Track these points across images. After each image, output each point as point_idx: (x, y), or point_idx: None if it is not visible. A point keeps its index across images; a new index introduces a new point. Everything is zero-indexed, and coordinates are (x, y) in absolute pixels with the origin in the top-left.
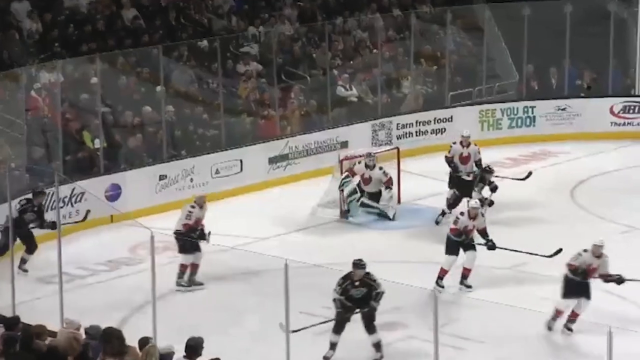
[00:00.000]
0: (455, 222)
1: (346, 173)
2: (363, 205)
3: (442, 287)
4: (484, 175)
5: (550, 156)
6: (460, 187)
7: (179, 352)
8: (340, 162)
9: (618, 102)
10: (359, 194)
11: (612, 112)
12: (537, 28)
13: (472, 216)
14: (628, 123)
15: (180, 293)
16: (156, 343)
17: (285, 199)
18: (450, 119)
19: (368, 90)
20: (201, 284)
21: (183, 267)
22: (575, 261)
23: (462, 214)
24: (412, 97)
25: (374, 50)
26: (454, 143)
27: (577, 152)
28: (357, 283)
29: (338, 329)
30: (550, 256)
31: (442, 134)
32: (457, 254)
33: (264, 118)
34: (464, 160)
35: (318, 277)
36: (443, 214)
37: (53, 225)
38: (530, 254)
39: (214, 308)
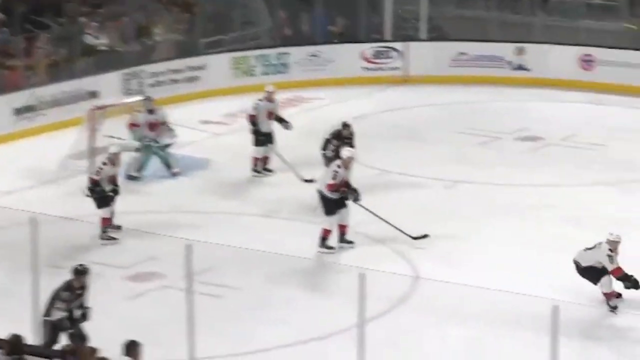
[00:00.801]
0: (334, 177)
1: (132, 129)
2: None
3: (332, 247)
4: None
5: (304, 102)
6: (268, 142)
7: None
8: (91, 112)
9: (369, 48)
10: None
11: (364, 57)
12: None
13: (347, 166)
14: (379, 68)
15: None
16: None
17: (33, 151)
18: (203, 67)
19: (118, 39)
20: None
21: None
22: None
23: (339, 167)
24: (163, 45)
25: None
26: (260, 100)
27: (330, 97)
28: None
29: None
30: (415, 238)
31: (195, 82)
32: (338, 212)
33: (8, 68)
34: (270, 115)
35: (67, 230)
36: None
37: None
38: (397, 228)
39: None
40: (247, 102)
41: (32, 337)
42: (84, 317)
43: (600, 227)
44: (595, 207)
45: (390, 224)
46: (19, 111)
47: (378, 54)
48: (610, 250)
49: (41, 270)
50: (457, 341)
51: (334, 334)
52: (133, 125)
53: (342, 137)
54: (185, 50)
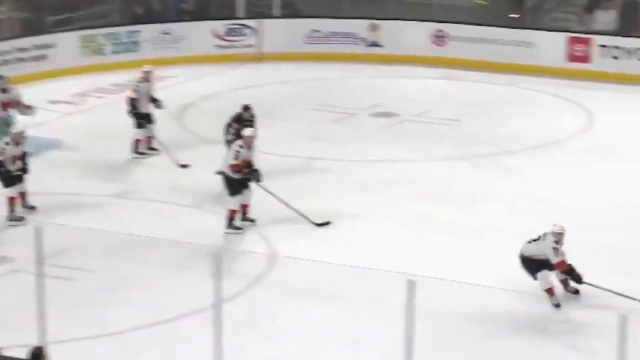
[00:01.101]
0: (237, 157)
1: None
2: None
3: (240, 228)
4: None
5: (157, 80)
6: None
7: None
8: None
9: (222, 25)
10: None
11: (216, 34)
12: None
13: (249, 146)
14: (232, 46)
15: None
16: None
17: None
18: (51, 46)
19: None
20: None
21: None
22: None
23: (241, 147)
24: (8, 23)
25: None
26: (140, 82)
27: (182, 76)
28: None
29: None
30: (318, 224)
31: (42, 60)
32: (241, 192)
33: None
34: (149, 98)
35: None
36: (139, 153)
37: None
38: (300, 213)
39: None
40: (97, 81)
41: None
42: None
43: (453, 202)
44: (448, 182)
45: (293, 209)
46: None
47: (231, 32)
48: (555, 242)
49: None
50: (316, 319)
51: (191, 314)
52: None
53: (242, 120)
54: (32, 28)
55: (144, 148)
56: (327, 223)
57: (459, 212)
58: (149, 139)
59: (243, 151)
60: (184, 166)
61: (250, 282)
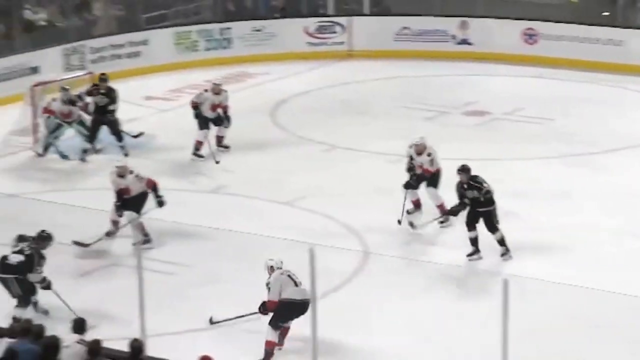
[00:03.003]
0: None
1: (46, 115)
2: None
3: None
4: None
5: (249, 77)
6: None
7: None
8: (32, 88)
9: (312, 23)
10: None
11: (307, 32)
12: None
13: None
14: (323, 43)
15: None
16: None
17: None
18: (145, 42)
19: (58, 14)
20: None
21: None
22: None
23: (206, 90)
24: (104, 20)
25: None
26: (205, 90)
27: (275, 73)
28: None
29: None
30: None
31: (137, 57)
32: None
33: None
34: (214, 108)
35: (12, 207)
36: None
37: None
38: None
39: None
40: (190, 78)
41: None
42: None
43: (545, 201)
44: (540, 181)
45: None
46: None
47: (321, 29)
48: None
49: None
50: (413, 315)
51: None
52: (47, 111)
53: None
54: (127, 25)
55: (214, 148)
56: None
57: (549, 210)
58: (220, 138)
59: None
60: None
61: (346, 278)
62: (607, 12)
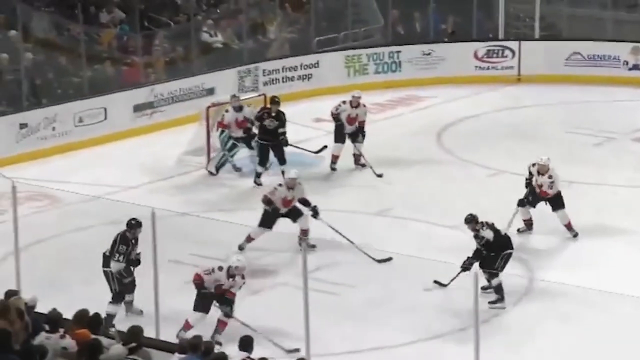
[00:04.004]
0: (273, 194)
1: (220, 129)
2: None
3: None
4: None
5: (417, 101)
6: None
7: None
8: (207, 109)
9: (482, 47)
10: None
11: (476, 56)
12: None
13: (291, 186)
14: (492, 67)
15: (44, 243)
16: (20, 295)
17: (151, 148)
18: (316, 65)
19: (234, 36)
20: None
21: None
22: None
23: (280, 185)
24: (278, 42)
25: None
26: (344, 102)
27: (442, 96)
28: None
29: None
30: (379, 261)
31: (308, 80)
32: (271, 227)
33: (127, 65)
34: (351, 121)
35: (185, 226)
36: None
37: None
38: (363, 251)
39: (80, 259)
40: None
41: (153, 330)
42: (138, 262)
43: None
44: None
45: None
46: (138, 108)
47: (491, 53)
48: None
49: (161, 264)
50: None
51: (451, 333)
52: (221, 125)
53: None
54: (299, 48)
55: (368, 162)
56: (388, 259)
57: None
58: (357, 156)
59: (281, 189)
60: (379, 175)
61: (509, 302)
62: None
